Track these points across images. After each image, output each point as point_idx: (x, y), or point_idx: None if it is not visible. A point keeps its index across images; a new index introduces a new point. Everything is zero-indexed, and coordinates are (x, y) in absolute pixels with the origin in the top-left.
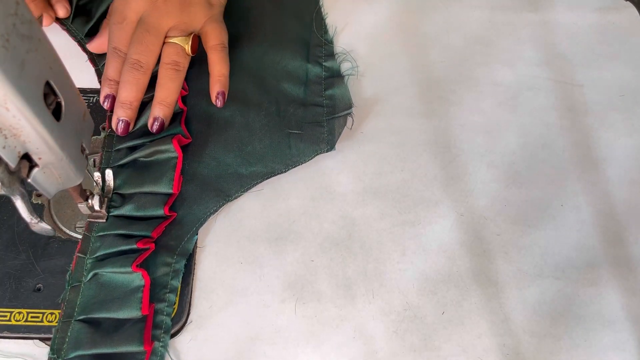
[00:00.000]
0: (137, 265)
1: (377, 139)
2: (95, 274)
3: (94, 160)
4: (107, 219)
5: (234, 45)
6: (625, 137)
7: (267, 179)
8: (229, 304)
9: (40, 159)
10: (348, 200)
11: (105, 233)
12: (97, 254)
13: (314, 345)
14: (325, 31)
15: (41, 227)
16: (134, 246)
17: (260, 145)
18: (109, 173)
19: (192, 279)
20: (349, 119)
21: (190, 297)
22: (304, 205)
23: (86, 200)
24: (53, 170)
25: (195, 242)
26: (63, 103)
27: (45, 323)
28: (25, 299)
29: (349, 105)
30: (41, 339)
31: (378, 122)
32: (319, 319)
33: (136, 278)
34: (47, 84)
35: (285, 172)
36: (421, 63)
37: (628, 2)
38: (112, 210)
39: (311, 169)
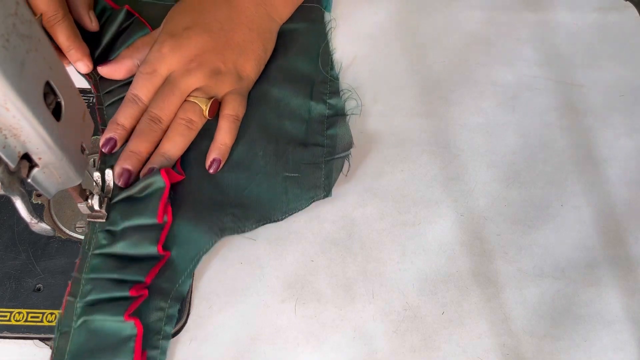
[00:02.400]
0: (129, 315)
1: (377, 138)
2: (85, 320)
3: (94, 160)
4: (98, 258)
5: None
6: (625, 137)
7: (261, 225)
8: (228, 304)
9: (40, 159)
10: (348, 200)
11: (96, 276)
12: (88, 298)
13: (314, 345)
14: (332, 67)
15: (41, 227)
16: (127, 294)
17: (257, 190)
18: (108, 173)
19: (192, 279)
20: (346, 163)
21: (190, 297)
22: None
23: (86, 200)
24: (53, 170)
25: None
26: (63, 103)
27: (45, 323)
28: (25, 299)
29: (350, 145)
30: (41, 339)
31: (378, 122)
32: (319, 319)
33: (128, 327)
34: (47, 84)
35: (281, 220)
36: (421, 63)
37: (628, 2)
38: (104, 248)
39: None
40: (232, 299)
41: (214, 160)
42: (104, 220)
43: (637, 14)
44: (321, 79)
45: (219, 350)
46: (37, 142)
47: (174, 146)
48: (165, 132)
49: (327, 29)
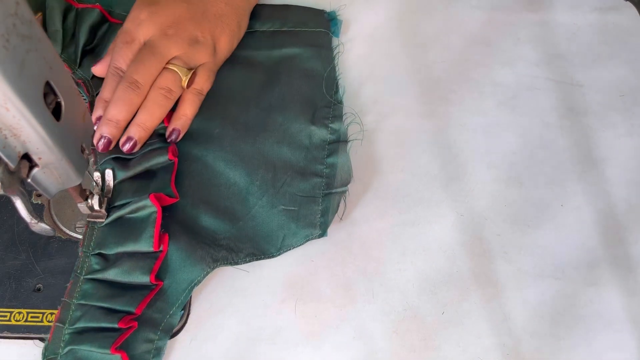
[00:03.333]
0: (116, 348)
1: (377, 138)
2: (72, 349)
3: (93, 160)
4: (89, 283)
5: (243, 107)
6: (625, 137)
7: (256, 260)
8: (228, 304)
9: (40, 159)
10: (348, 200)
11: (87, 302)
12: (76, 325)
13: (314, 345)
14: (336, 91)
15: (41, 227)
16: (115, 325)
17: (253, 222)
18: (108, 173)
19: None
20: (342, 203)
21: (190, 297)
22: None
23: (86, 200)
24: (53, 170)
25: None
26: (63, 103)
27: (45, 323)
28: (25, 299)
29: (348, 179)
30: (41, 339)
31: (378, 122)
32: (319, 319)
33: (114, 359)
34: (47, 84)
35: (276, 256)
36: (421, 63)
37: (628, 2)
38: (96, 274)
39: None
40: (232, 299)
41: (174, 129)
42: (104, 220)
43: (637, 14)
44: (324, 103)
45: (219, 350)
46: (37, 142)
47: (151, 116)
48: (143, 98)
49: (334, 53)
